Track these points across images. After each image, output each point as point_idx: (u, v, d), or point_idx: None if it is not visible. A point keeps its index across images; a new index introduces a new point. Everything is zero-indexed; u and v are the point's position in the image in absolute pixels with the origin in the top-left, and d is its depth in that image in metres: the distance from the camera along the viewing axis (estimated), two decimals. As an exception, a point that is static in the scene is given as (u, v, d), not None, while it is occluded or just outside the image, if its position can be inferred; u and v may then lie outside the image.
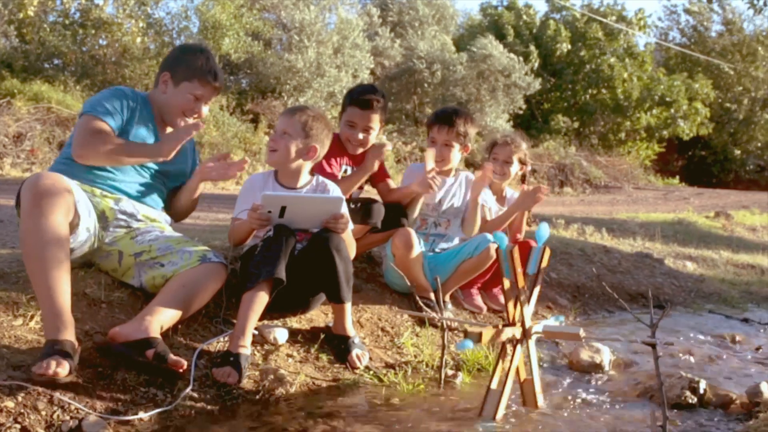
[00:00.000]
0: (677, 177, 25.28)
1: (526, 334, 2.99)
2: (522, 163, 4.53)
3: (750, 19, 28.11)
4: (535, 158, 20.29)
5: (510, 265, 2.97)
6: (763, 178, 27.35)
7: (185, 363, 2.85)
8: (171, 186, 3.52)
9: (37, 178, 2.84)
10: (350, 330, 3.45)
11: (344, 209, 3.35)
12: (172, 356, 2.83)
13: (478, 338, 2.78)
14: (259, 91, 16.42)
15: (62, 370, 2.52)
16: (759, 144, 27.37)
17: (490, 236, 3.98)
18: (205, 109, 3.41)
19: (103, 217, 3.19)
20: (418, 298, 3.42)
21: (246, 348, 3.08)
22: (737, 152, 27.30)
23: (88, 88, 13.24)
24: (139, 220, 3.31)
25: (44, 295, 2.70)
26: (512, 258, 2.95)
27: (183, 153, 3.43)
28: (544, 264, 3.09)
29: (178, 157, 3.36)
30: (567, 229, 8.32)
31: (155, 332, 2.88)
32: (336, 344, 3.45)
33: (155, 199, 3.44)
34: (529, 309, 3.03)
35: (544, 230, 3.12)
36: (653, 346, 2.59)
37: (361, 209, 3.76)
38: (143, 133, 3.32)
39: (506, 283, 3.00)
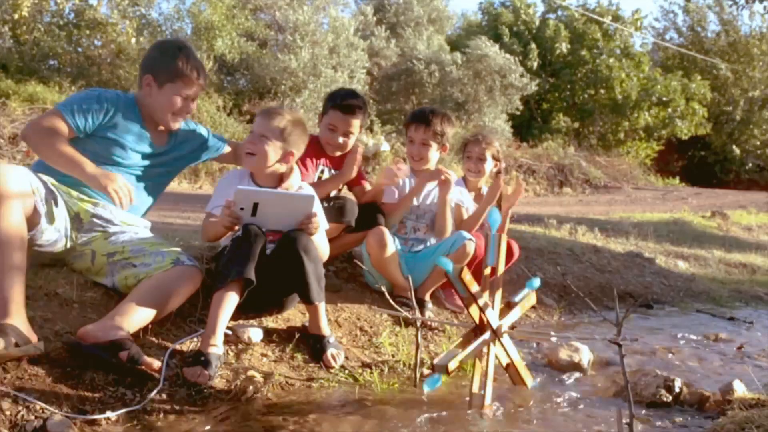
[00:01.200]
0: (677, 177, 25.22)
1: (496, 334, 2.99)
2: (495, 159, 4.54)
3: (745, 20, 28.07)
4: (534, 158, 20.25)
5: (495, 252, 2.98)
6: (762, 178, 27.24)
7: (159, 364, 2.85)
8: (166, 181, 3.57)
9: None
10: (325, 329, 3.45)
11: (317, 208, 3.35)
12: (145, 358, 2.81)
13: (445, 370, 2.80)
14: (256, 91, 16.39)
15: None
16: (758, 142, 27.24)
17: (465, 233, 3.99)
18: (192, 106, 3.41)
19: (77, 219, 3.18)
20: (388, 296, 3.40)
21: (217, 347, 3.07)
22: (737, 152, 27.22)
23: (83, 89, 13.21)
24: (115, 225, 3.31)
25: None
26: (499, 244, 2.96)
27: (189, 139, 3.55)
28: (503, 255, 3.10)
29: (185, 144, 3.53)
30: (559, 229, 8.31)
31: (127, 333, 2.87)
32: (311, 344, 3.45)
33: (137, 208, 3.44)
34: (494, 311, 3.03)
35: (496, 215, 3.13)
36: (618, 344, 2.57)
37: (335, 208, 3.76)
38: (131, 136, 3.31)
39: (487, 271, 3.01)
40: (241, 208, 3.15)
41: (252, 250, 3.13)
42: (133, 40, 13.77)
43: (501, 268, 3.20)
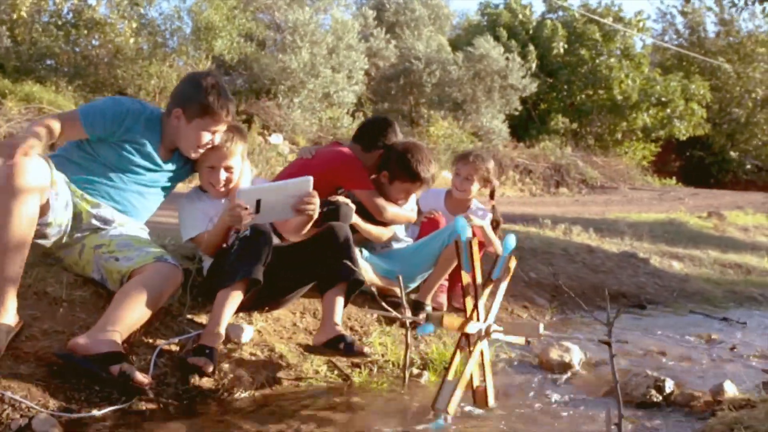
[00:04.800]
0: (674, 178, 25.19)
1: (486, 331, 2.99)
2: (485, 181, 4.53)
3: (746, 20, 28.03)
4: (531, 158, 20.25)
5: (469, 258, 2.96)
6: (761, 179, 27.25)
7: (149, 380, 2.81)
8: (167, 192, 3.56)
9: (13, 152, 2.78)
10: (341, 326, 3.34)
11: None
12: (137, 374, 2.75)
13: (439, 322, 2.77)
14: (253, 91, 16.38)
15: None
16: (760, 143, 27.23)
17: (463, 220, 4.00)
18: (217, 138, 3.36)
19: (78, 218, 3.18)
20: (378, 298, 3.38)
21: (218, 344, 3.07)
22: (735, 153, 27.22)
23: (80, 89, 13.19)
24: (112, 225, 3.30)
25: None
26: (471, 250, 2.94)
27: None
28: (509, 273, 3.08)
29: (188, 161, 3.48)
30: (554, 229, 8.29)
31: (118, 345, 2.83)
32: (333, 346, 3.25)
33: (140, 214, 3.45)
34: (493, 312, 3.02)
35: (511, 242, 3.12)
36: (608, 344, 2.57)
37: (328, 213, 3.66)
38: (144, 149, 3.30)
39: (465, 277, 2.99)
40: (245, 208, 3.16)
41: (260, 251, 3.14)
42: (131, 40, 13.73)
43: (478, 274, 3.13)
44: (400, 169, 4.02)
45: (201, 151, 3.37)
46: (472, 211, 4.51)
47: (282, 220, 3.41)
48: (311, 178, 3.30)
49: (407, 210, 4.16)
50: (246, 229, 3.23)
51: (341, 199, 3.76)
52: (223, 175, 3.42)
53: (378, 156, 4.13)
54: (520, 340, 3.29)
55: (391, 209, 4.01)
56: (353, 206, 3.77)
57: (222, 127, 3.35)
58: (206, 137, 3.31)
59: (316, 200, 3.28)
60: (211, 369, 2.97)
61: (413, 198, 4.24)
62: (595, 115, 23.82)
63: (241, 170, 3.54)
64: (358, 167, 4.03)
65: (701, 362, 4.16)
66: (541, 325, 2.99)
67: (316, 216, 3.33)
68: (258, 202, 3.17)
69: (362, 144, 4.16)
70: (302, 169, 4.00)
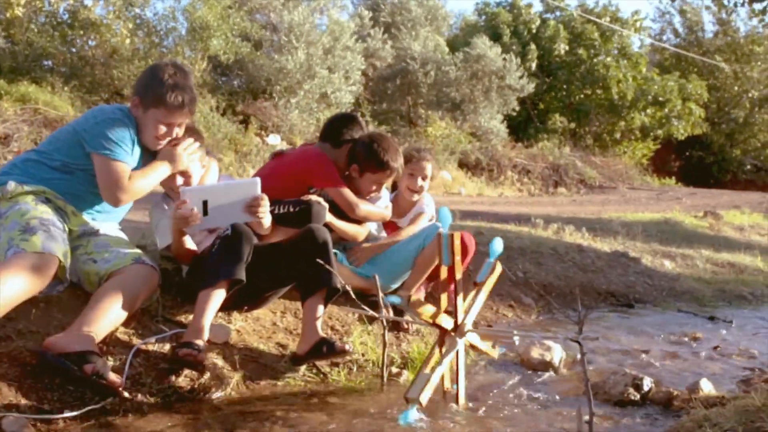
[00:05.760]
0: (673, 177, 25.16)
1: (458, 331, 2.99)
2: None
3: (745, 20, 28.01)
4: (529, 158, 20.26)
5: (449, 252, 2.97)
6: (760, 178, 27.23)
7: (121, 381, 2.82)
8: None
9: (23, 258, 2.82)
10: (321, 330, 3.37)
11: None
12: (110, 374, 2.77)
13: (418, 403, 2.80)
14: (250, 92, 16.38)
15: None
16: (759, 144, 27.22)
17: (438, 224, 4.01)
18: (176, 131, 3.32)
19: (68, 234, 3.19)
20: (354, 296, 3.39)
21: (202, 341, 3.07)
22: (735, 153, 27.21)
23: (76, 89, 13.20)
24: (97, 235, 3.32)
25: None
26: (452, 244, 2.95)
27: None
28: (494, 279, 3.09)
29: None
30: (546, 228, 8.27)
31: (93, 345, 2.85)
32: (318, 351, 3.30)
33: (117, 213, 3.46)
34: (471, 316, 3.03)
35: (446, 213, 3.17)
36: (579, 343, 2.57)
37: (300, 213, 3.67)
38: (129, 150, 3.29)
39: (444, 272, 2.99)
40: (191, 208, 3.15)
41: (241, 250, 3.16)
42: (127, 40, 13.75)
43: (459, 269, 3.14)
44: (367, 161, 4.01)
45: (162, 143, 3.33)
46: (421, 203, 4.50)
47: (232, 223, 3.31)
48: (259, 180, 3.31)
49: (381, 207, 4.15)
50: (226, 229, 3.24)
51: (314, 197, 3.76)
52: (179, 180, 3.41)
53: (348, 150, 4.12)
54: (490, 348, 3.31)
55: (363, 206, 4.00)
56: (326, 204, 3.77)
57: (179, 120, 3.30)
58: (162, 129, 3.27)
59: (266, 203, 3.28)
60: (203, 359, 3.00)
61: (387, 195, 4.23)
62: (594, 115, 23.80)
63: (205, 172, 3.55)
64: (328, 165, 4.01)
65: (684, 361, 4.16)
66: (516, 338, 3.00)
67: (266, 219, 3.32)
68: (205, 204, 3.16)
69: (330, 141, 4.14)
70: (273, 171, 4.01)
